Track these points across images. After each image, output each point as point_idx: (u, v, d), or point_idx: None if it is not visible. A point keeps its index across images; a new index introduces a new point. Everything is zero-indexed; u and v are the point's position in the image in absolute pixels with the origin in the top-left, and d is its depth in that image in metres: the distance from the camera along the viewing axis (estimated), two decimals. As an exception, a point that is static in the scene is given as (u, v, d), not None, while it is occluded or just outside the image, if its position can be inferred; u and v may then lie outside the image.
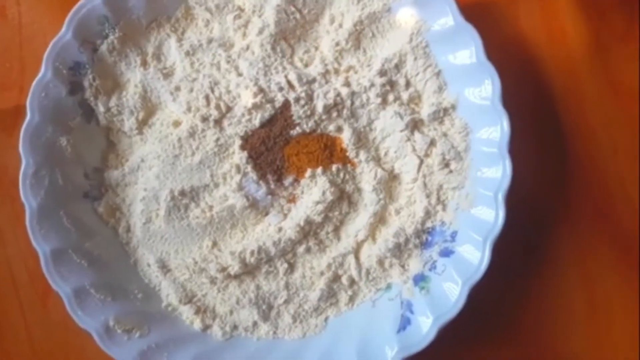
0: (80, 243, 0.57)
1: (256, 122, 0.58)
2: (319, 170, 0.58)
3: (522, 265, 0.59)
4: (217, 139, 0.58)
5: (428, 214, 0.57)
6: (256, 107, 0.57)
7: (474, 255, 0.53)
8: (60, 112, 0.58)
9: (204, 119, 0.58)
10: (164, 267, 0.59)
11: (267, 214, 0.59)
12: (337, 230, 0.59)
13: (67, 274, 0.55)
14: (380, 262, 0.57)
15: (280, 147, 0.58)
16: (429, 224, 0.57)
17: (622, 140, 0.60)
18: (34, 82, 0.56)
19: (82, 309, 0.54)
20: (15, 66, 0.64)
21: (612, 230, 0.59)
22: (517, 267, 0.59)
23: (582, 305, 0.59)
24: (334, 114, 0.57)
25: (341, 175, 0.58)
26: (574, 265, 0.59)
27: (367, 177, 0.58)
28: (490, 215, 0.53)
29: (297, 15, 0.59)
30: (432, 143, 0.57)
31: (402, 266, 0.57)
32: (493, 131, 0.55)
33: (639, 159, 0.59)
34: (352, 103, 0.57)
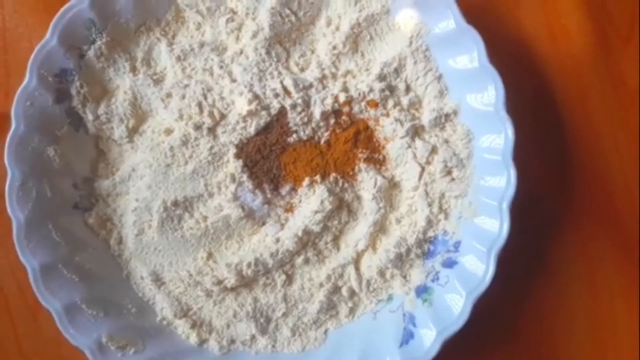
0: (71, 257, 0.56)
1: (251, 130, 0.56)
2: (317, 178, 0.56)
3: (525, 273, 0.58)
4: (211, 148, 0.56)
5: (430, 223, 0.56)
6: (251, 114, 0.56)
7: (478, 267, 0.52)
8: (47, 121, 0.56)
9: (197, 127, 0.56)
10: (158, 280, 0.57)
11: (263, 224, 0.57)
12: (336, 240, 0.57)
13: (57, 289, 0.54)
14: (381, 273, 0.56)
15: (277, 155, 0.57)
16: (431, 234, 0.56)
17: (626, 144, 0.59)
18: (19, 90, 0.54)
19: (74, 326, 0.53)
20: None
21: (616, 234, 0.58)
22: (520, 275, 0.58)
23: (586, 316, 0.58)
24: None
25: (340, 183, 0.56)
26: (579, 274, 0.58)
27: (366, 185, 0.57)
28: (494, 225, 0.52)
29: (293, 18, 0.57)
30: (434, 150, 0.56)
31: (404, 277, 0.56)
32: (496, 138, 0.53)
33: (645, 162, 0.58)
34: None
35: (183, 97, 0.57)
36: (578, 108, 0.59)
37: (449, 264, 0.55)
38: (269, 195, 0.57)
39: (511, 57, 0.59)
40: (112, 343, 0.53)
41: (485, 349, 0.58)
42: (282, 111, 0.56)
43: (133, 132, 0.58)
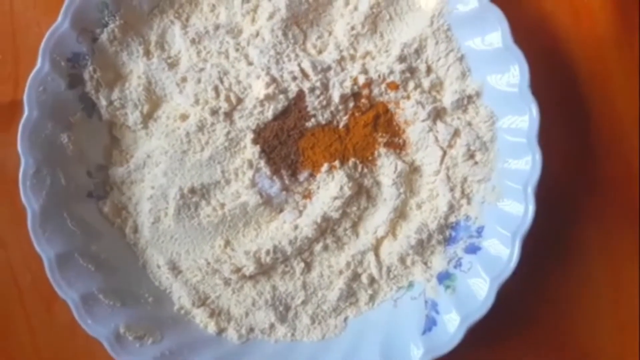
0: (86, 246, 0.55)
1: (269, 114, 0.55)
2: (336, 163, 0.55)
3: (547, 259, 0.57)
4: (228, 133, 0.55)
5: (452, 209, 0.55)
6: (268, 98, 0.55)
7: (503, 252, 0.51)
8: (60, 107, 0.55)
9: (213, 112, 0.55)
10: (175, 269, 0.56)
11: (281, 211, 0.56)
12: (355, 226, 0.57)
13: (74, 279, 0.53)
14: (402, 260, 0.55)
15: (295, 141, 0.55)
16: (452, 219, 0.55)
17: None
18: (31, 76, 0.53)
19: (91, 317, 0.52)
20: (8, 58, 0.60)
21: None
22: (542, 261, 0.57)
23: (608, 302, 0.57)
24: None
25: (359, 168, 0.55)
26: (601, 259, 0.57)
27: (386, 170, 0.55)
28: (519, 209, 0.51)
29: (310, -2, 0.56)
30: (456, 133, 0.55)
31: (425, 263, 0.55)
32: (520, 120, 0.52)
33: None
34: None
35: (198, 81, 0.56)
36: (601, 89, 0.58)
37: (472, 249, 0.54)
38: (287, 182, 0.56)
39: (533, 37, 0.57)
40: (130, 333, 0.53)
41: (506, 335, 0.57)
42: (300, 95, 0.55)
43: (148, 118, 0.57)
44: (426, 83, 0.55)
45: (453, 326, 0.51)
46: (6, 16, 0.61)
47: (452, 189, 0.55)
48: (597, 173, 0.58)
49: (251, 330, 0.56)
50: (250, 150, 0.55)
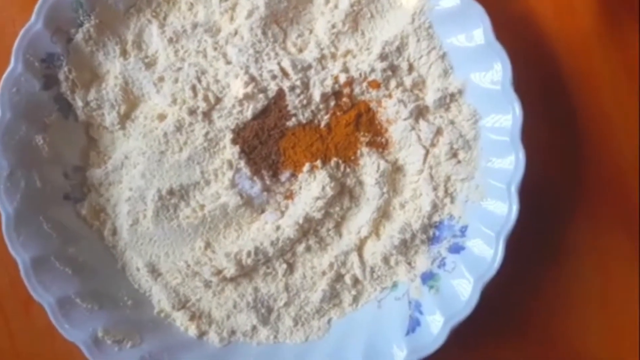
0: (63, 249, 0.54)
1: (248, 114, 0.54)
2: (318, 163, 0.54)
3: (534, 260, 0.57)
4: (207, 133, 0.55)
5: (435, 208, 0.54)
6: (248, 97, 0.54)
7: (486, 251, 0.51)
8: (35, 108, 0.54)
9: (192, 112, 0.54)
10: (154, 271, 0.56)
11: (263, 211, 0.56)
12: (338, 227, 0.56)
13: (50, 283, 0.52)
14: (386, 260, 0.55)
15: (275, 140, 0.55)
16: (436, 218, 0.55)
17: (635, 122, 0.57)
18: (4, 77, 0.52)
19: (68, 321, 0.51)
20: (-18, 58, 0.59)
21: (628, 217, 0.57)
22: (529, 262, 0.56)
23: (597, 299, 0.57)
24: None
25: (341, 168, 0.55)
26: (589, 258, 0.57)
27: (369, 169, 0.55)
28: (502, 208, 0.51)
29: (289, -4, 0.55)
30: (439, 132, 0.54)
31: (409, 263, 0.55)
32: (503, 118, 0.52)
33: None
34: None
35: (176, 80, 0.55)
36: (586, 85, 0.58)
37: (456, 249, 0.53)
38: (268, 182, 0.55)
39: (516, 33, 0.57)
40: (109, 337, 0.52)
41: (494, 337, 0.57)
42: (280, 94, 0.54)
43: (125, 119, 0.56)
44: (408, 81, 0.55)
45: (437, 327, 0.50)
46: (-19, 15, 0.60)
47: (435, 188, 0.54)
48: (583, 171, 0.57)
49: (233, 333, 0.55)
50: (229, 151, 0.54)
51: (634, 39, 0.58)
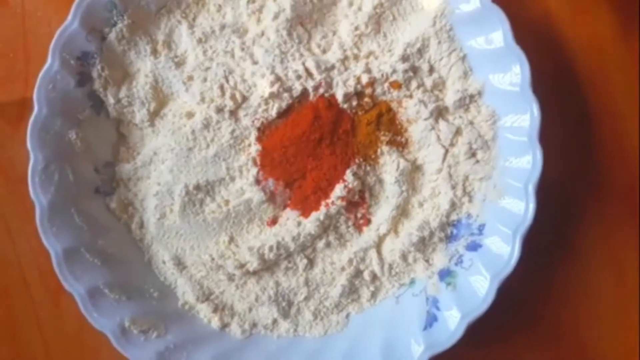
0: (93, 241, 0.55)
1: (273, 112, 0.56)
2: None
3: (549, 257, 0.58)
4: (233, 131, 0.56)
5: (453, 206, 0.55)
6: (273, 96, 0.55)
7: (503, 249, 0.52)
8: (69, 104, 0.55)
9: (219, 110, 0.56)
10: (180, 264, 0.57)
11: (285, 207, 0.57)
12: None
13: (80, 273, 0.53)
14: (404, 257, 0.55)
15: (299, 138, 0.56)
16: (454, 217, 0.56)
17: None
18: (41, 74, 0.54)
19: (97, 310, 0.53)
20: (19, 57, 0.62)
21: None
22: (544, 259, 0.57)
23: (610, 297, 0.57)
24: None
25: (362, 167, 0.56)
26: (603, 256, 0.57)
27: (389, 168, 0.56)
28: (519, 207, 0.52)
29: (314, -1, 0.57)
30: (458, 132, 0.55)
31: (427, 261, 0.56)
32: (521, 119, 0.53)
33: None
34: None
35: (204, 79, 0.56)
36: (602, 87, 0.58)
37: (473, 247, 0.54)
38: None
39: (534, 36, 0.58)
40: (135, 327, 0.53)
41: (508, 333, 0.57)
42: (304, 93, 0.55)
43: (154, 116, 0.58)
44: (428, 82, 0.56)
45: (454, 323, 0.51)
46: (17, 16, 0.62)
47: (453, 187, 0.55)
48: (598, 171, 0.58)
49: (254, 325, 0.57)
50: (254, 148, 0.56)
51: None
